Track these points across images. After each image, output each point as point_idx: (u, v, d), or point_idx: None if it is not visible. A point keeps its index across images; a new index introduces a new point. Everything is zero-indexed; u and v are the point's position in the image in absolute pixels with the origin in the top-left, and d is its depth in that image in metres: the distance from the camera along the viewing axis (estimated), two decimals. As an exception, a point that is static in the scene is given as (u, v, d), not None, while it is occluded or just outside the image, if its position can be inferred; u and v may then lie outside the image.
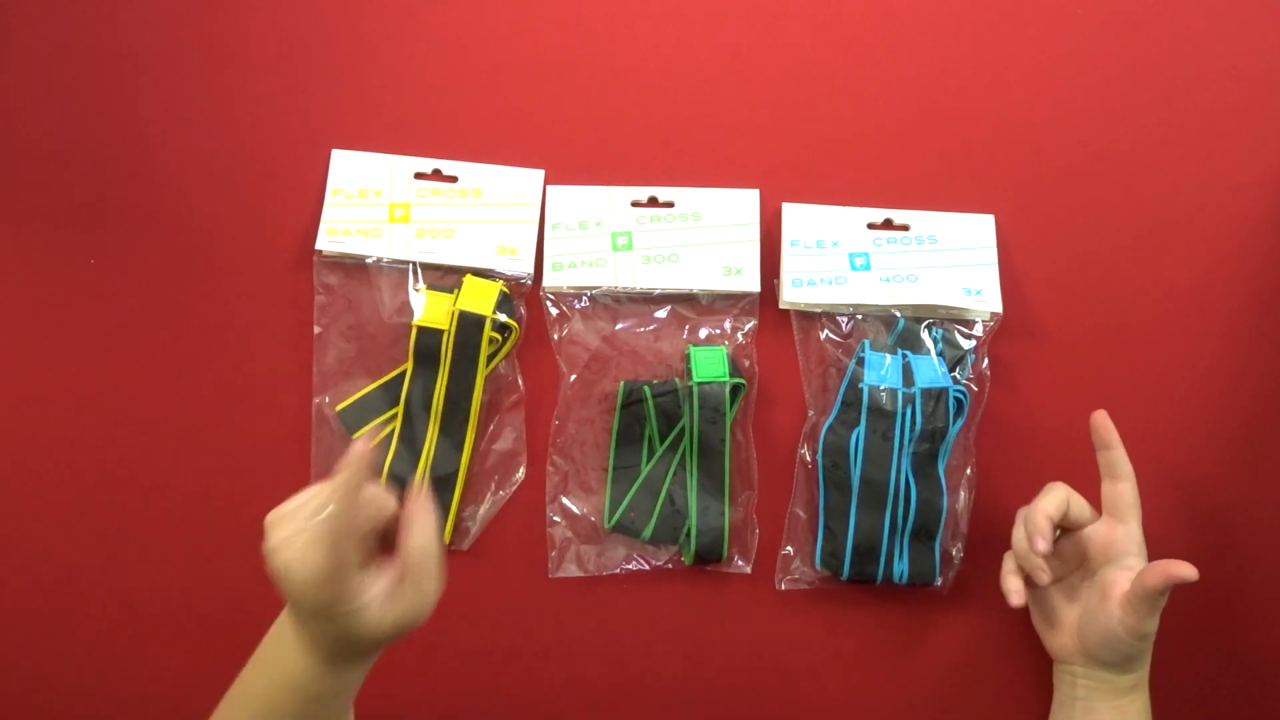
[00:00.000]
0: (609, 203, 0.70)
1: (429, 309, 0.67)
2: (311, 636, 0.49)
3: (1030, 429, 0.69)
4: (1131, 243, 0.71)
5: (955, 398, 0.66)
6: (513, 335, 0.68)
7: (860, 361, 0.67)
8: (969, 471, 0.68)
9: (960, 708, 0.67)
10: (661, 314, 0.69)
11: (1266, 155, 0.72)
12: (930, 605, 0.67)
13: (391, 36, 0.72)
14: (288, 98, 0.72)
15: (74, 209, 0.70)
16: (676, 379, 0.68)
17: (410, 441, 0.67)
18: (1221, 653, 0.68)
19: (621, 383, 0.68)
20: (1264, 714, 0.67)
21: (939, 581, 0.66)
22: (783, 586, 0.67)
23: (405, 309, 0.68)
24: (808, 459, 0.68)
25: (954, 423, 0.66)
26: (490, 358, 0.68)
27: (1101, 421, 0.61)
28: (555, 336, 0.69)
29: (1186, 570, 0.55)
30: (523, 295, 0.69)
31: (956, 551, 0.67)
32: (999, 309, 0.69)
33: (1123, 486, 0.61)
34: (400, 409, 0.67)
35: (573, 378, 0.68)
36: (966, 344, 0.68)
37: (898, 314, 0.69)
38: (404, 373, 0.68)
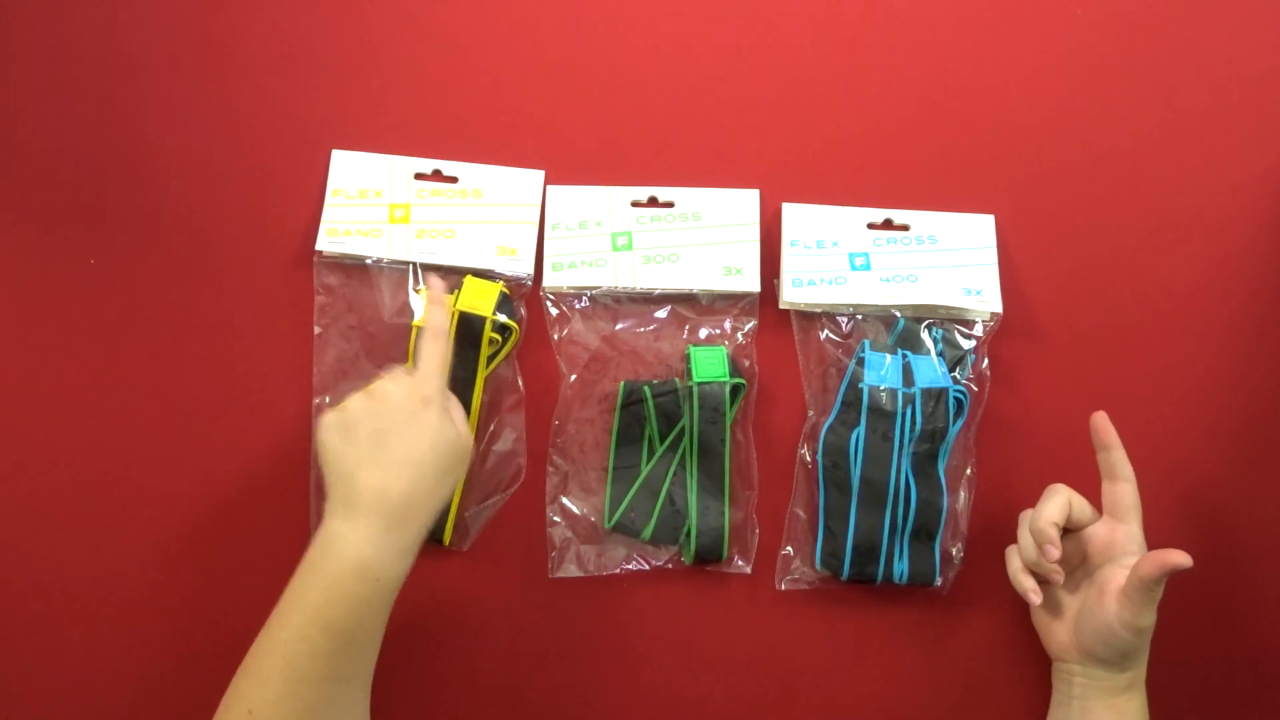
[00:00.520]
0: (609, 203, 0.70)
1: (429, 309, 0.67)
2: (412, 517, 0.55)
3: (1030, 429, 0.69)
4: (1131, 243, 0.71)
5: (955, 398, 0.66)
6: (513, 335, 0.68)
7: (860, 361, 0.67)
8: (969, 471, 0.68)
9: (960, 708, 0.67)
10: (661, 314, 0.69)
11: (1266, 155, 0.72)
12: (930, 605, 0.67)
13: (391, 36, 0.72)
14: (288, 98, 0.72)
15: (74, 209, 0.70)
16: (676, 379, 0.68)
17: (410, 442, 0.67)
18: (1220, 653, 0.68)
19: (621, 383, 0.68)
20: (1263, 714, 0.67)
21: (939, 581, 0.66)
22: (783, 586, 0.67)
23: (405, 309, 0.68)
24: (808, 459, 0.68)
25: (954, 423, 0.66)
26: (490, 358, 0.68)
27: (1101, 423, 0.62)
28: (555, 336, 0.69)
29: (1180, 558, 0.56)
30: (523, 295, 0.69)
31: (956, 551, 0.67)
32: (999, 309, 0.69)
33: (1122, 487, 0.61)
34: (400, 409, 0.67)
35: (573, 378, 0.68)
36: (966, 344, 0.68)
37: (898, 314, 0.69)
38: (404, 373, 0.68)
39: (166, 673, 0.66)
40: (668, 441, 0.68)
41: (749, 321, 0.69)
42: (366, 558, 0.53)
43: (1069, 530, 0.62)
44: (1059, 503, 0.61)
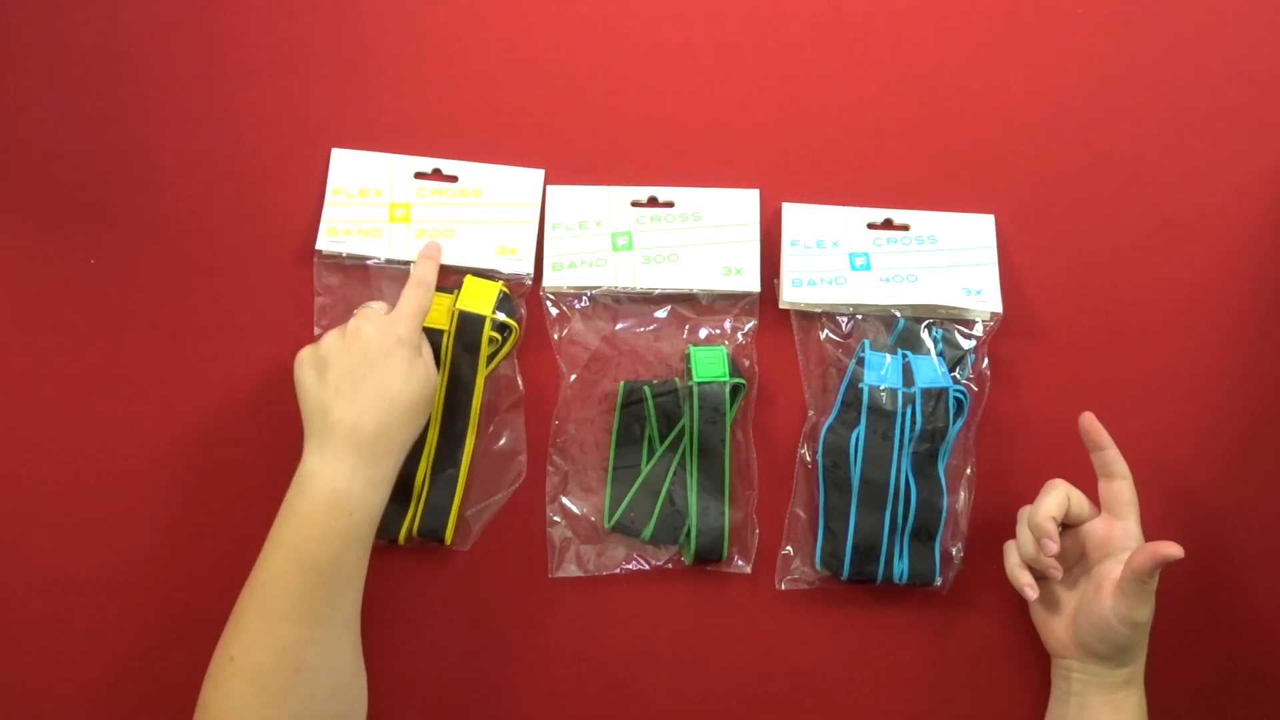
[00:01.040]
0: (609, 203, 0.70)
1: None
2: (379, 446, 0.57)
3: (1030, 429, 0.69)
4: (1131, 243, 0.71)
5: (955, 398, 0.66)
6: (513, 335, 0.68)
7: (860, 361, 0.67)
8: (969, 471, 0.68)
9: (960, 707, 0.67)
10: (661, 314, 0.69)
11: (1266, 155, 0.72)
12: (930, 605, 0.67)
13: (391, 36, 0.72)
14: (288, 98, 0.71)
15: (74, 209, 0.70)
16: (676, 379, 0.68)
17: (410, 441, 0.67)
18: (1219, 652, 0.68)
19: (621, 383, 0.68)
20: (1263, 714, 0.67)
21: (939, 581, 0.66)
22: (783, 586, 0.67)
23: (405, 309, 0.68)
24: (808, 459, 0.68)
25: (954, 423, 0.66)
26: (490, 358, 0.68)
27: (1090, 424, 0.62)
28: (555, 336, 0.69)
29: (1172, 549, 0.56)
30: (523, 295, 0.69)
31: (956, 551, 0.67)
32: (999, 309, 0.69)
33: (1119, 485, 0.61)
34: (400, 409, 0.67)
35: (573, 378, 0.68)
36: (966, 344, 0.68)
37: (898, 314, 0.69)
38: (404, 373, 0.68)
39: (167, 673, 0.66)
40: (668, 441, 0.68)
41: (749, 321, 0.69)
42: (340, 491, 0.55)
43: (1068, 526, 0.62)
44: (1057, 497, 0.61)
